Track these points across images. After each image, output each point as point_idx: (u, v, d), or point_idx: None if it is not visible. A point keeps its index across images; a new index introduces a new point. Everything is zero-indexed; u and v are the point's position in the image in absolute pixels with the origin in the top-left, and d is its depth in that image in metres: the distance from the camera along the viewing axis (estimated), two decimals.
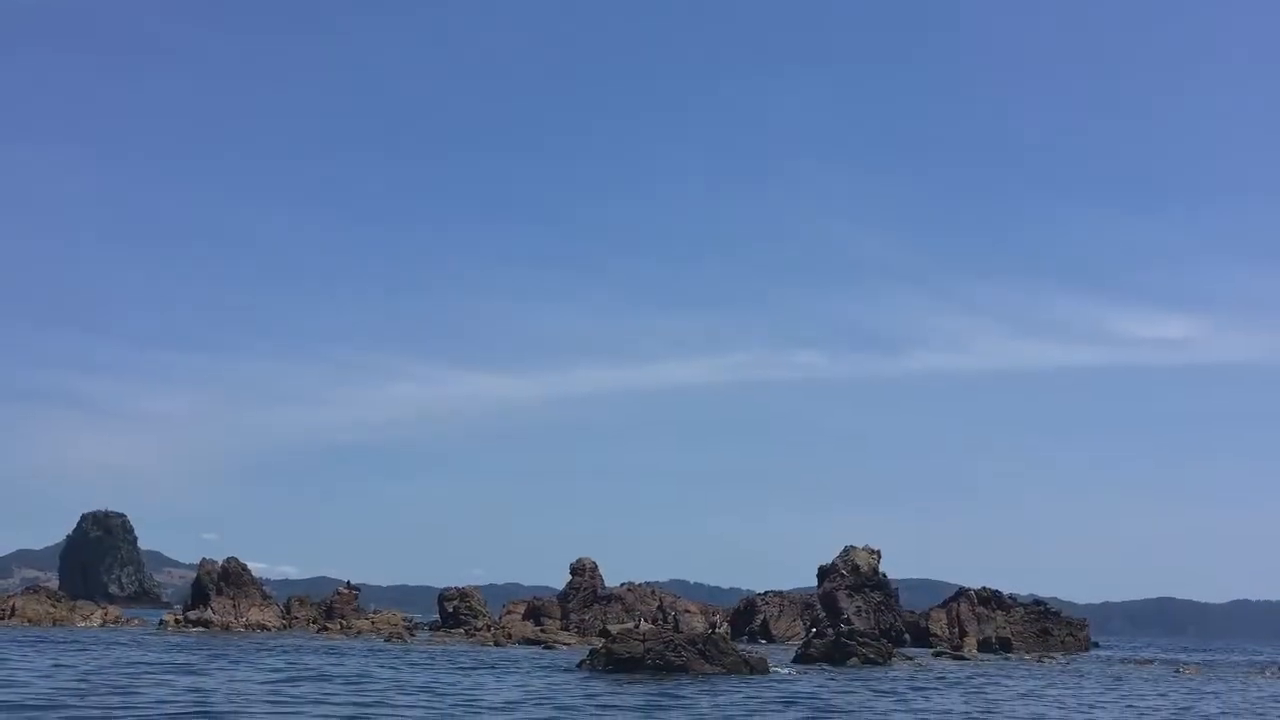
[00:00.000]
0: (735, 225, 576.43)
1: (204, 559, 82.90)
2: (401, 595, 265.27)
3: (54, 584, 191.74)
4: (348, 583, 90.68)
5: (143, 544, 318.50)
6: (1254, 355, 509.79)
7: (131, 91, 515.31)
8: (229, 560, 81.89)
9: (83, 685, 28.19)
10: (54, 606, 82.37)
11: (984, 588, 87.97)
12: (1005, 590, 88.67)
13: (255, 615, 77.48)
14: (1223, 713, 30.29)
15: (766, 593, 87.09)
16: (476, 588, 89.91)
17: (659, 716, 24.11)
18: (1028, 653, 74.00)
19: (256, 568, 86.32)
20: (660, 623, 67.55)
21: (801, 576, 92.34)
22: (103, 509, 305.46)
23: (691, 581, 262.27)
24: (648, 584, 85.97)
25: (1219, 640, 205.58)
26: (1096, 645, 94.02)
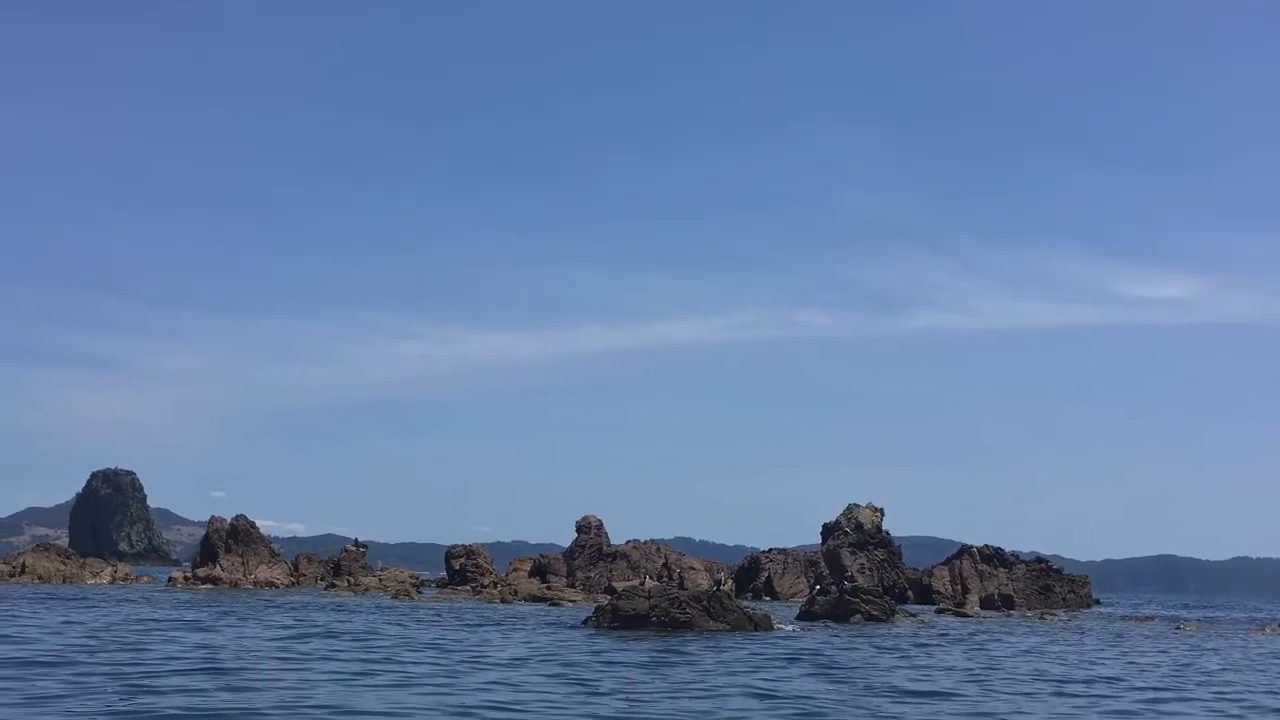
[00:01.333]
0: (740, 186, 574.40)
1: (213, 517, 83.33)
2: (409, 553, 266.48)
3: (64, 541, 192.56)
4: (355, 540, 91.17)
5: (152, 502, 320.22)
6: (1255, 316, 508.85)
7: (141, 54, 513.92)
8: (237, 518, 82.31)
9: (92, 642, 28.51)
10: (64, 564, 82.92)
11: (986, 545, 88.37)
12: (1008, 548, 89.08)
13: (263, 573, 77.96)
14: (1223, 669, 30.54)
15: (771, 550, 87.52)
16: (483, 545, 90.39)
17: (664, 672, 24.37)
18: (1030, 610, 74.42)
19: (265, 525, 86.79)
20: (665, 580, 67.96)
21: (805, 534, 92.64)
22: (112, 467, 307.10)
23: (696, 539, 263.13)
24: (653, 541, 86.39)
25: (1220, 597, 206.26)
26: (1098, 602, 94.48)
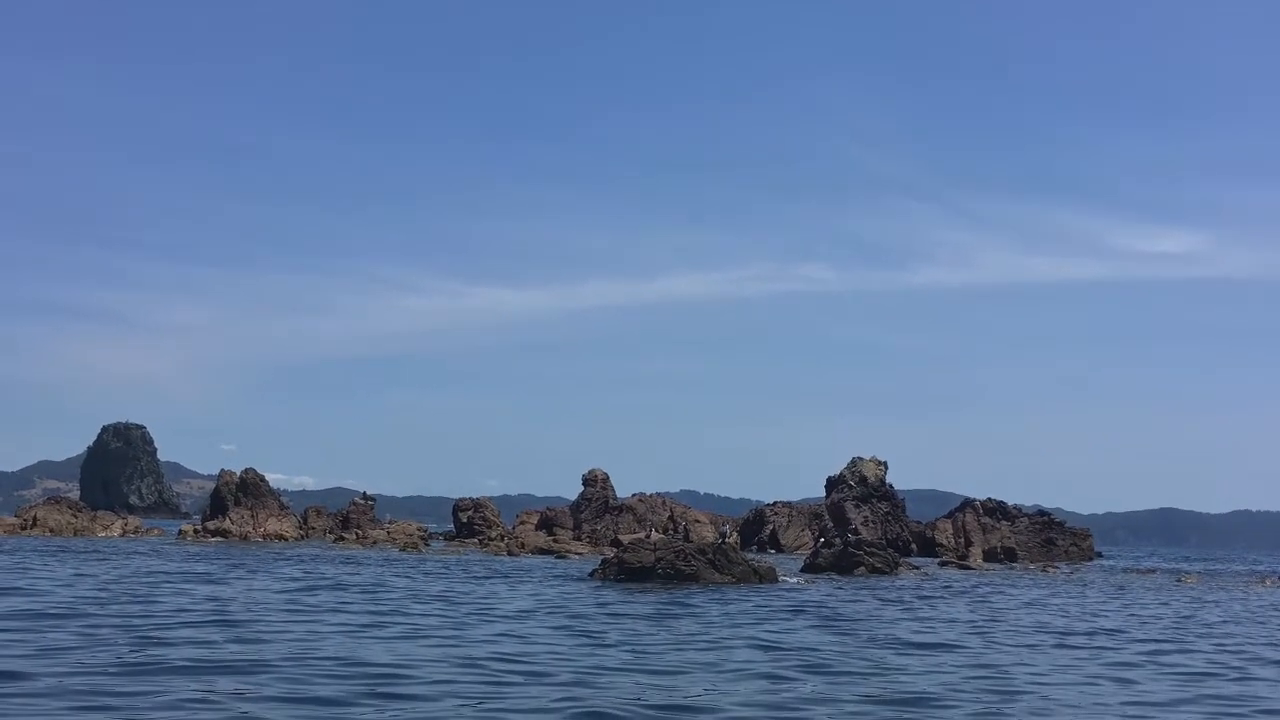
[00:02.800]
0: (744, 141, 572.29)
1: (222, 470, 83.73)
2: (418, 505, 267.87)
3: (75, 495, 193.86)
4: (364, 493, 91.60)
5: (162, 455, 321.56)
6: (1255, 270, 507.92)
7: (149, 6, 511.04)
8: (247, 471, 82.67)
9: (103, 594, 28.76)
10: (75, 517, 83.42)
11: (989, 498, 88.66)
12: (1010, 501, 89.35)
13: (273, 525, 78.41)
14: (1224, 620, 30.74)
15: (775, 503, 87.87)
16: (490, 498, 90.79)
17: (669, 624, 24.58)
18: (1032, 562, 74.74)
19: (274, 478, 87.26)
20: (671, 532, 68.28)
21: (810, 487, 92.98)
22: (123, 421, 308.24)
23: (701, 492, 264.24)
24: (659, 495, 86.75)
25: (1220, 550, 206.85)
26: (1100, 555, 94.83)
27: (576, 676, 16.72)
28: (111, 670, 15.88)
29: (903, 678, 17.50)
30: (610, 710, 13.87)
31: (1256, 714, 15.35)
